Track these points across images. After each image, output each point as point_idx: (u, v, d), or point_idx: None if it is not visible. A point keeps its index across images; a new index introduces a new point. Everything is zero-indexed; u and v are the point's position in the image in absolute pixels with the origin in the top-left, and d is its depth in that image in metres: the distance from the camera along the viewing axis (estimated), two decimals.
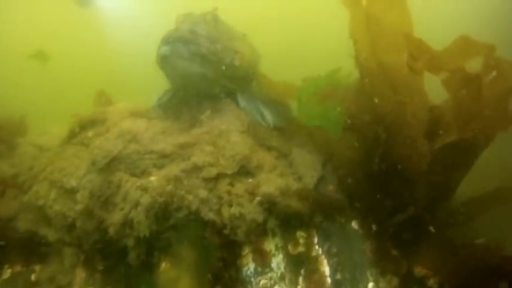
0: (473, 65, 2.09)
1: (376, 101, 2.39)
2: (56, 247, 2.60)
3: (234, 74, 2.81)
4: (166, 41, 2.58)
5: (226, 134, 2.62)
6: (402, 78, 2.36)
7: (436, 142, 2.25)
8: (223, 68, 2.72)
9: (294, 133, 2.85)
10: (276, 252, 2.34)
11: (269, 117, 2.88)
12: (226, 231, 2.33)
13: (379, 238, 2.30)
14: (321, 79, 3.59)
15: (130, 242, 2.35)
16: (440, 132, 2.26)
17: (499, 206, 2.54)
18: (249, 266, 2.32)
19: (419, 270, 2.24)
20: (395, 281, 2.27)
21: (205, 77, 2.69)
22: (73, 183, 2.54)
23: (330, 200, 2.43)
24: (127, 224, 2.35)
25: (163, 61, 2.63)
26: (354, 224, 2.35)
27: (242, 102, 2.90)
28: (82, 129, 2.88)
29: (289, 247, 2.36)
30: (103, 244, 2.47)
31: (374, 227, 2.32)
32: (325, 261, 2.29)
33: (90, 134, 2.76)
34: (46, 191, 2.61)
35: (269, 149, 2.72)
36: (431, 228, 2.22)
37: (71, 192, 2.53)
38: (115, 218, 2.37)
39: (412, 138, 2.27)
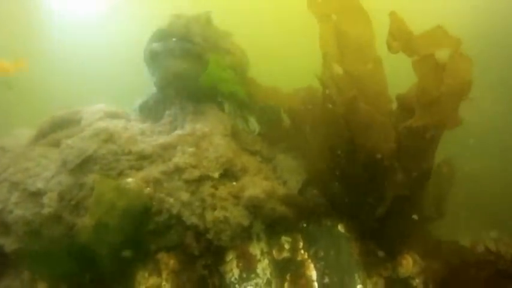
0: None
1: (343, 104, 2.45)
2: (13, 258, 2.32)
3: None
4: (159, 36, 2.50)
5: (209, 136, 2.55)
6: (368, 84, 2.48)
7: (401, 124, 2.32)
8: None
9: (279, 139, 2.83)
10: (262, 258, 2.26)
11: (253, 123, 2.85)
12: (209, 236, 2.22)
13: (364, 240, 2.30)
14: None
15: (103, 250, 2.15)
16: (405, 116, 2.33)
17: None
18: (234, 272, 2.21)
19: (404, 271, 2.26)
20: (381, 282, 2.27)
21: (195, 75, 2.61)
22: (39, 185, 2.31)
23: (315, 204, 2.41)
24: (100, 229, 2.16)
25: (153, 58, 2.53)
26: (341, 227, 2.35)
27: (227, 106, 2.85)
28: (53, 129, 2.65)
29: (274, 252, 2.30)
30: (71, 252, 2.24)
31: (359, 226, 2.32)
32: (311, 266, 2.24)
33: (62, 134, 2.54)
34: (5, 194, 2.34)
35: (253, 153, 2.69)
36: (415, 216, 2.24)
37: (37, 195, 2.30)
38: (87, 222, 2.18)
39: (380, 130, 2.32)
